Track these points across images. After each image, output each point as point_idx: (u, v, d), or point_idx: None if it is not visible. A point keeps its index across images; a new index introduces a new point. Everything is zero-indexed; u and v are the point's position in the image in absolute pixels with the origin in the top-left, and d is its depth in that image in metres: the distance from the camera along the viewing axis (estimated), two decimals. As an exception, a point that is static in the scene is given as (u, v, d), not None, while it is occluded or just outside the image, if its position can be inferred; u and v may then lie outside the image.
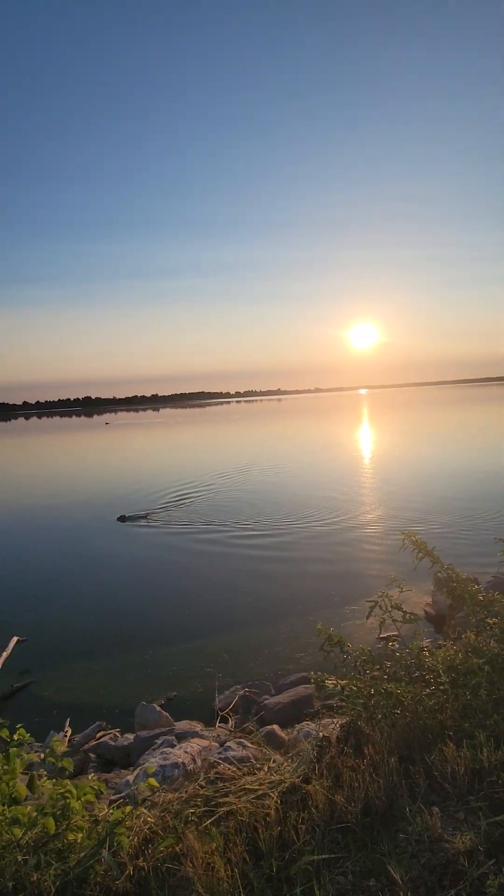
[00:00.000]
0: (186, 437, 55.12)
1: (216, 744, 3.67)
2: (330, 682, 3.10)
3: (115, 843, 1.94)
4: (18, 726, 2.60)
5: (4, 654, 7.62)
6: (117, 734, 5.31)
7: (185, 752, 3.29)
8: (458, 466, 22.63)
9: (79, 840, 1.95)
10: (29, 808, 2.07)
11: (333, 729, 2.50)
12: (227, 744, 3.37)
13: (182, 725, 5.29)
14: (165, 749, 3.47)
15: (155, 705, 5.72)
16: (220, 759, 2.93)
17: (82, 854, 1.87)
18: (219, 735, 3.97)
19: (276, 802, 2.02)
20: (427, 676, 2.71)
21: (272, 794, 2.08)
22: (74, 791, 2.14)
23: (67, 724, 5.73)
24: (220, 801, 2.11)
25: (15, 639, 8.11)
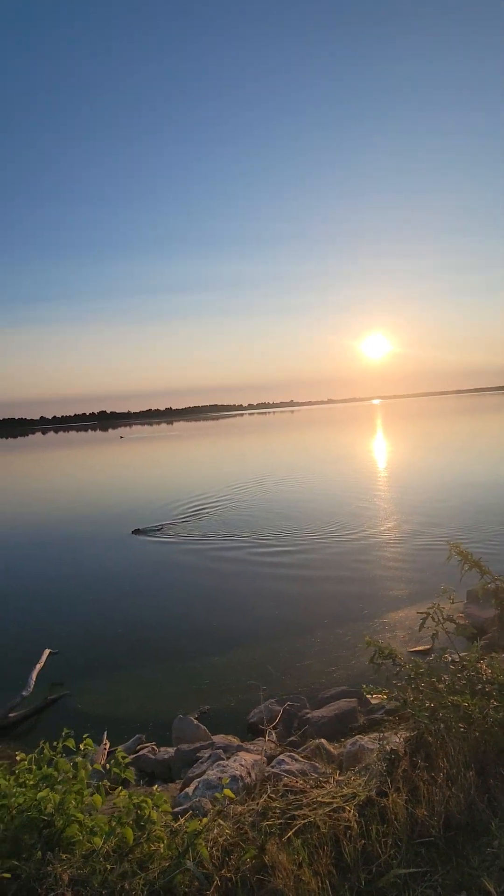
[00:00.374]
0: (201, 450, 55.39)
1: (264, 757, 3.65)
2: (377, 697, 3.08)
3: (196, 854, 1.95)
4: (85, 736, 2.65)
5: (38, 667, 7.69)
6: (155, 748, 5.30)
7: (241, 766, 3.27)
8: (479, 477, 22.32)
9: (161, 850, 1.97)
10: (102, 817, 2.10)
11: (398, 743, 2.48)
12: (280, 757, 3.35)
13: (219, 739, 5.26)
14: (221, 762, 3.47)
15: (192, 718, 5.70)
16: (277, 772, 2.92)
17: (166, 864, 1.88)
18: (264, 749, 3.94)
19: (354, 816, 2.02)
20: (488, 689, 2.68)
21: (348, 808, 2.08)
22: (150, 801, 2.16)
23: (105, 736, 5.74)
24: (295, 813, 2.11)
25: (47, 651, 8.18)
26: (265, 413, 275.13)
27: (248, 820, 2.15)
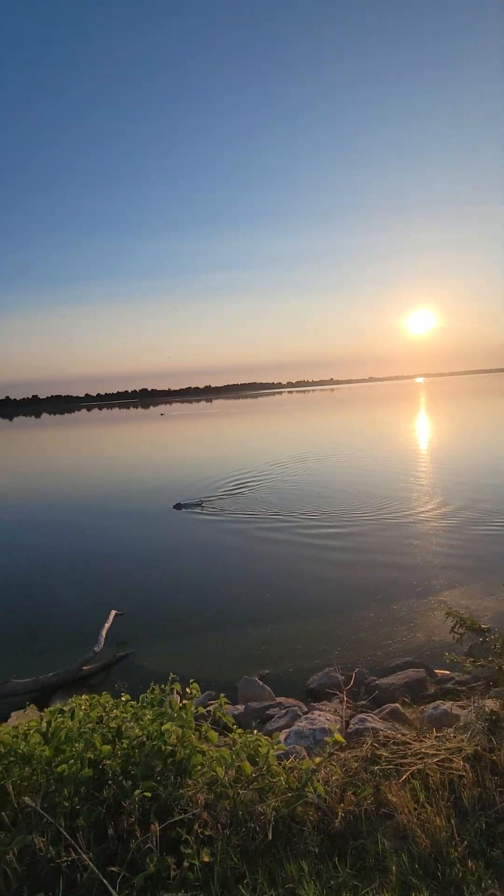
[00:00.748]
0: (240, 427, 55.69)
1: (338, 717, 3.80)
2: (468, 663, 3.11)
3: (313, 789, 2.09)
4: (192, 681, 2.85)
5: (106, 626, 8.20)
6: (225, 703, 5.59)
7: (325, 720, 3.44)
8: None
9: (280, 783, 2.13)
10: (224, 749, 2.27)
11: (495, 706, 2.53)
12: (359, 716, 3.49)
13: (284, 700, 5.50)
14: (307, 716, 3.66)
15: (257, 679, 5.96)
16: (362, 728, 3.04)
17: (289, 795, 2.03)
18: (343, 708, 4.09)
19: (465, 766, 2.11)
20: None
21: (455, 759, 2.16)
22: (264, 740, 2.32)
23: (176, 692, 6.10)
24: (401, 762, 2.22)
25: (114, 612, 8.69)
26: (304, 391, 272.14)
27: (353, 765, 2.28)
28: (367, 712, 3.93)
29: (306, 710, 4.54)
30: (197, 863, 1.75)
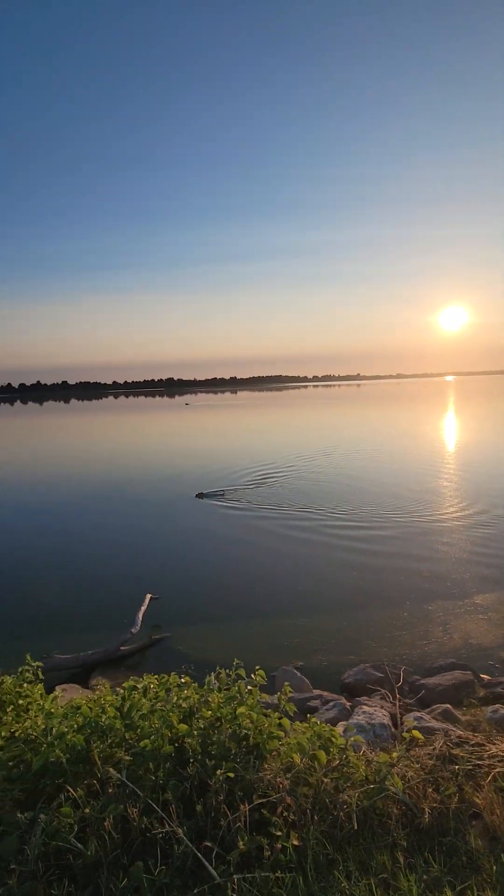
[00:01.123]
0: (264, 419, 55.63)
1: (387, 713, 3.79)
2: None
3: (392, 783, 2.09)
4: (257, 668, 2.88)
5: (142, 608, 8.38)
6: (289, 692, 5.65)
7: (381, 715, 3.45)
8: None
9: (360, 774, 2.14)
10: (301, 736, 2.29)
11: None
12: (414, 715, 3.47)
13: (323, 693, 5.52)
14: (364, 710, 3.67)
15: (295, 670, 6.00)
16: (419, 727, 3.02)
17: (370, 787, 2.04)
18: (381, 706, 4.08)
19: (550, 772, 2.08)
20: None
21: (538, 765, 2.13)
22: (335, 731, 2.33)
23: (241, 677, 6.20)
24: (478, 763, 2.19)
25: (149, 596, 8.87)
26: (329, 386, 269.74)
27: (429, 762, 2.27)
28: (417, 710, 3.91)
29: (350, 703, 4.54)
30: (288, 845, 1.78)
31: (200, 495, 17.40)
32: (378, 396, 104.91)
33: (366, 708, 3.83)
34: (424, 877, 1.75)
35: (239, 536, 13.41)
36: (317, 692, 5.72)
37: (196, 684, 3.02)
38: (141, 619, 8.14)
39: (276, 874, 1.72)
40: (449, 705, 4.00)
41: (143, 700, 2.60)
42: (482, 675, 5.43)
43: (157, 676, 2.93)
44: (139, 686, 2.70)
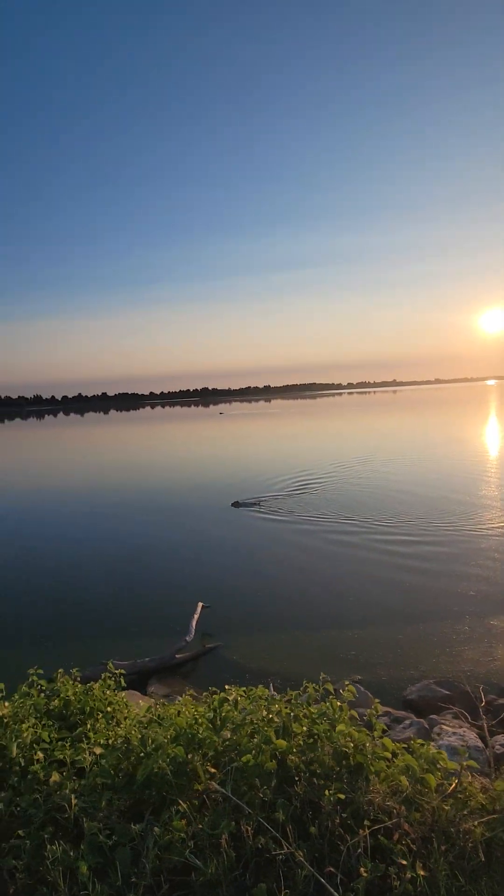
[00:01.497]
0: (299, 427, 55.30)
1: (474, 734, 3.59)
2: None
3: (515, 814, 1.95)
4: (347, 683, 2.79)
5: (195, 617, 8.40)
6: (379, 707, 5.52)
7: (472, 738, 3.28)
8: None
9: (478, 801, 2.01)
10: (410, 758, 2.18)
11: None
12: (504, 738, 3.27)
13: (392, 711, 5.33)
14: (456, 732, 3.51)
15: (357, 685, 5.82)
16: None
17: (494, 816, 1.91)
18: (461, 725, 3.88)
19: None
20: None
21: None
22: (442, 753, 2.20)
23: (271, 687, 6.13)
24: None
25: (200, 605, 8.89)
26: (365, 392, 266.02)
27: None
28: (501, 734, 3.70)
29: (427, 723, 4.35)
30: (418, 875, 1.69)
31: (236, 504, 17.36)
32: (416, 402, 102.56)
33: (447, 727, 3.65)
34: None
35: (281, 546, 13.26)
36: (383, 709, 5.53)
37: (280, 697, 2.95)
38: (194, 626, 8.16)
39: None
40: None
41: (235, 713, 2.56)
42: None
43: (244, 689, 2.89)
44: (229, 698, 2.65)
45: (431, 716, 5.00)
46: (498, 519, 14.26)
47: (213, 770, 2.31)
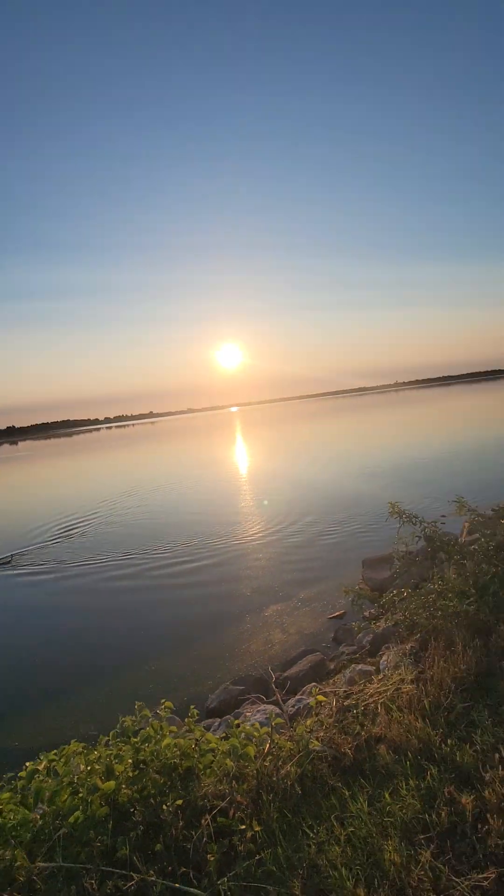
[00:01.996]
0: (53, 470, 51.13)
1: (271, 706, 4.13)
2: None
3: (313, 745, 2.42)
4: (163, 700, 2.86)
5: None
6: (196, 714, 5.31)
7: (272, 709, 3.70)
8: (332, 471, 25.07)
9: (287, 747, 2.39)
10: (232, 740, 2.42)
11: (409, 647, 3.26)
12: (292, 700, 3.87)
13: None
14: (259, 710, 3.83)
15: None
16: (301, 707, 3.46)
17: (299, 755, 2.32)
18: (260, 705, 4.41)
19: (413, 688, 2.72)
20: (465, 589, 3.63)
21: (404, 688, 2.76)
22: (257, 725, 2.55)
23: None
24: (365, 703, 2.71)
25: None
26: (124, 426, 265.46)
27: (329, 721, 2.68)
28: (292, 697, 4.35)
29: (233, 717, 4.70)
30: (254, 832, 1.89)
31: None
32: (173, 431, 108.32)
33: (248, 713, 4.08)
34: (362, 797, 2.10)
35: (52, 602, 11.86)
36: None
37: (91, 746, 2.78)
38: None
39: (256, 858, 1.81)
40: (314, 684, 4.58)
41: (49, 781, 2.30)
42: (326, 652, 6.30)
43: (54, 752, 2.59)
44: (39, 768, 2.37)
45: (235, 711, 5.43)
46: (254, 527, 16.32)
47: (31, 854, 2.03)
